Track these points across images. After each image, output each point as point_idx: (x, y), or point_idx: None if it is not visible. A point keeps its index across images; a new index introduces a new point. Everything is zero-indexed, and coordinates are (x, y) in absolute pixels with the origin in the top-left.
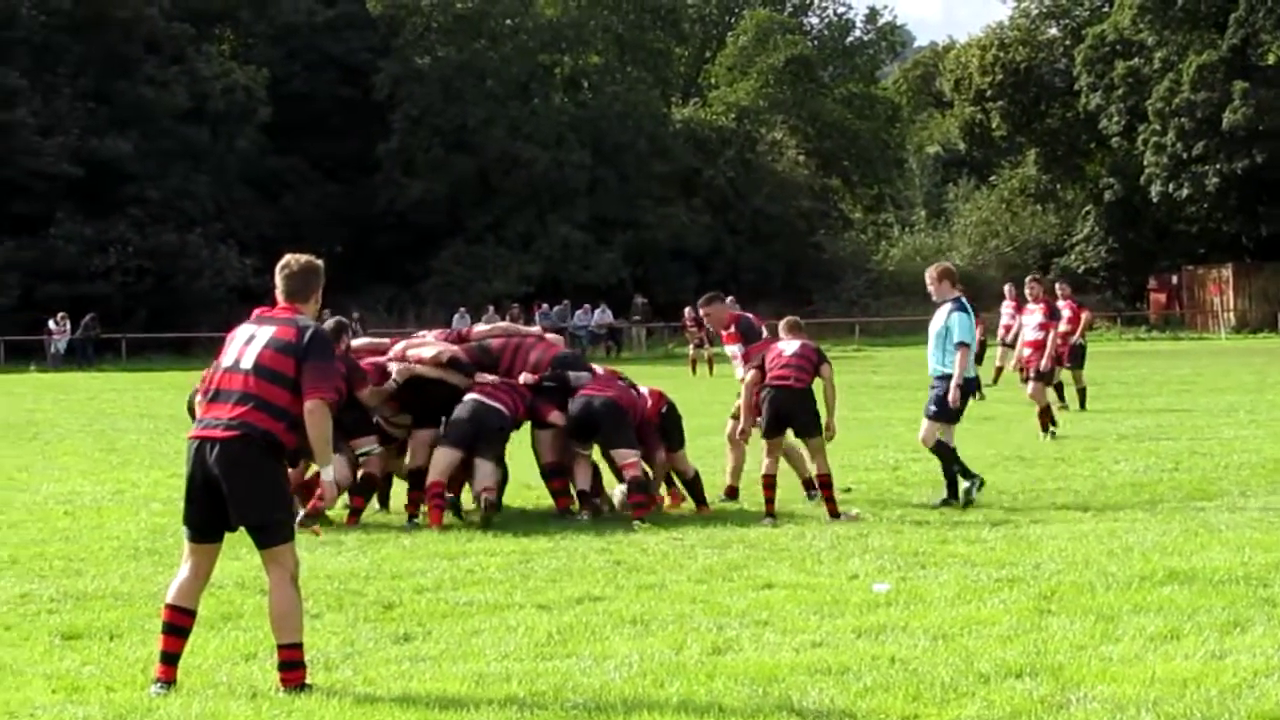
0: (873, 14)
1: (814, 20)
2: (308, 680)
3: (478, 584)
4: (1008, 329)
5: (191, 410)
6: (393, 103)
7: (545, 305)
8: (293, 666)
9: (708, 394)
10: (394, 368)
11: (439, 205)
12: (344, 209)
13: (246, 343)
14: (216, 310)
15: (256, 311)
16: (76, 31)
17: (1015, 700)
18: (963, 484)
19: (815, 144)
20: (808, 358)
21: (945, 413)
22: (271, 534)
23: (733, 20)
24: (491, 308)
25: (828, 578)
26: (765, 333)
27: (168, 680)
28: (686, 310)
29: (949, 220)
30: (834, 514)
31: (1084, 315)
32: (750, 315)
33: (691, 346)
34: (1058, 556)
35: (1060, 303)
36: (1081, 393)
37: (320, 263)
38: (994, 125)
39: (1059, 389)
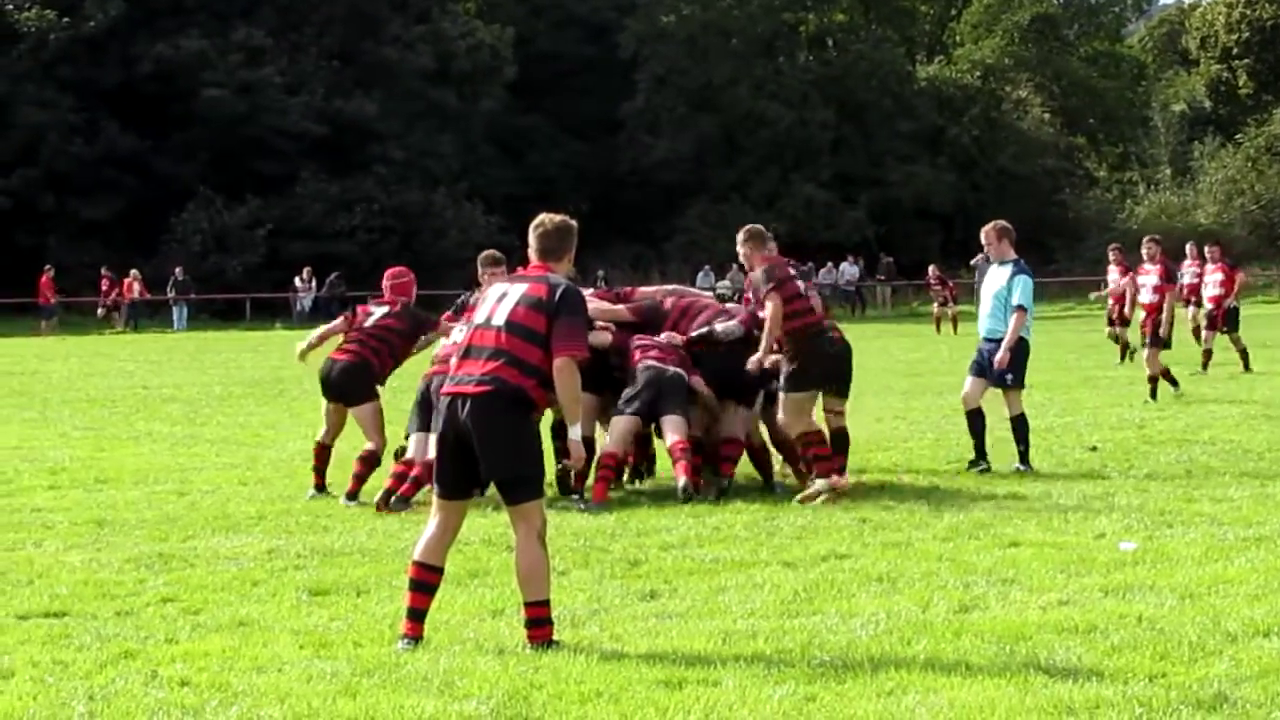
0: None
1: None
2: (555, 637)
3: (723, 541)
4: (1190, 289)
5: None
6: (637, 61)
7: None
8: (540, 623)
9: (953, 352)
10: None
11: (683, 164)
12: (589, 167)
13: (499, 300)
14: (462, 269)
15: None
16: None
17: (1263, 659)
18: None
19: (1060, 102)
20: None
21: (1020, 378)
22: (520, 490)
23: None
24: (735, 266)
25: (1074, 536)
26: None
27: (414, 637)
28: (931, 268)
29: (1194, 178)
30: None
31: (1237, 278)
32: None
33: (935, 305)
34: None
35: (1211, 265)
36: (1243, 354)
37: (574, 223)
38: (1240, 83)
39: (1207, 356)
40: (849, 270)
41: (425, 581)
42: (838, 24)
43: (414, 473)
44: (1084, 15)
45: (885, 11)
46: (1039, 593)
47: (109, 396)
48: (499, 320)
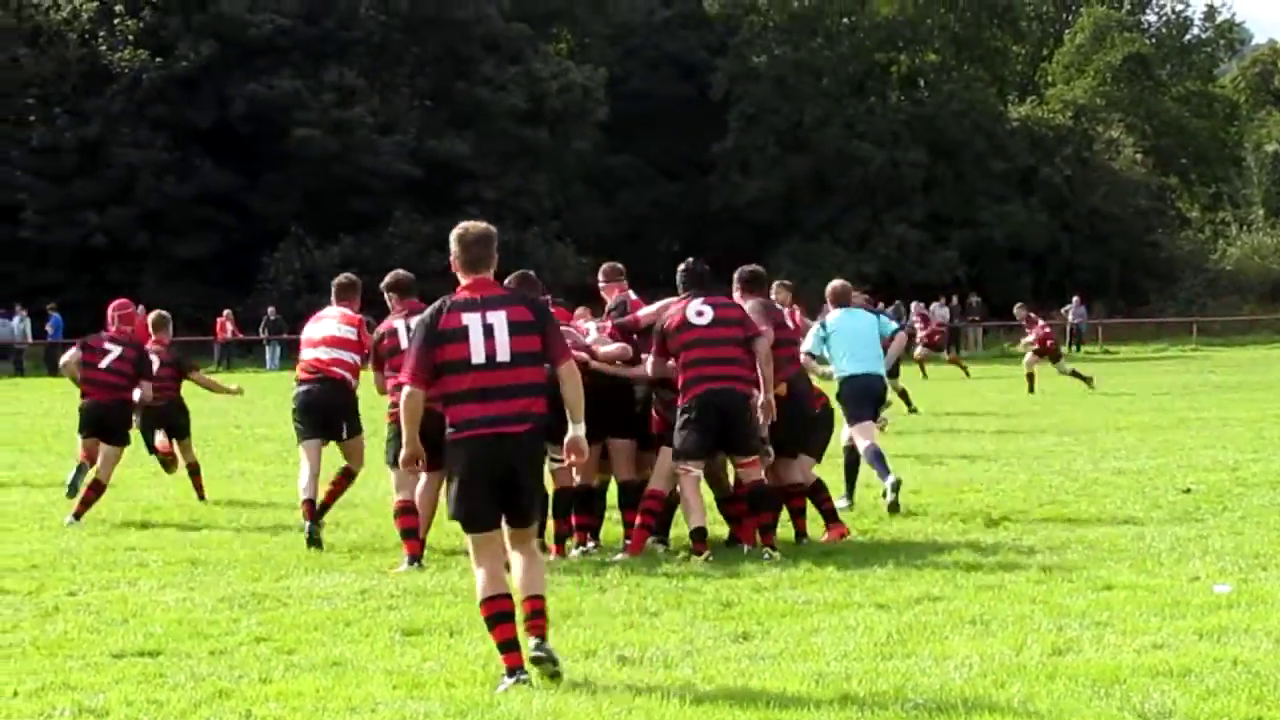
0: (1211, 11)
1: (1151, 18)
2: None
3: (815, 583)
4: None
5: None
6: (729, 101)
7: (881, 304)
8: (543, 614)
9: (1045, 393)
10: None
11: (775, 203)
12: (680, 207)
13: (487, 336)
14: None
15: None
16: (415, 31)
17: None
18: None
19: (1152, 142)
20: None
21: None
22: (539, 512)
23: (1070, 18)
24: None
25: (1168, 579)
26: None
27: (519, 666)
28: (1017, 308)
29: None
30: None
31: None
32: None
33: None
34: None
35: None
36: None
37: (494, 229)
38: None
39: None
40: (939, 311)
41: (503, 611)
42: (929, 64)
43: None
44: (1176, 55)
45: (977, 52)
46: (1133, 636)
47: (202, 436)
48: (504, 356)
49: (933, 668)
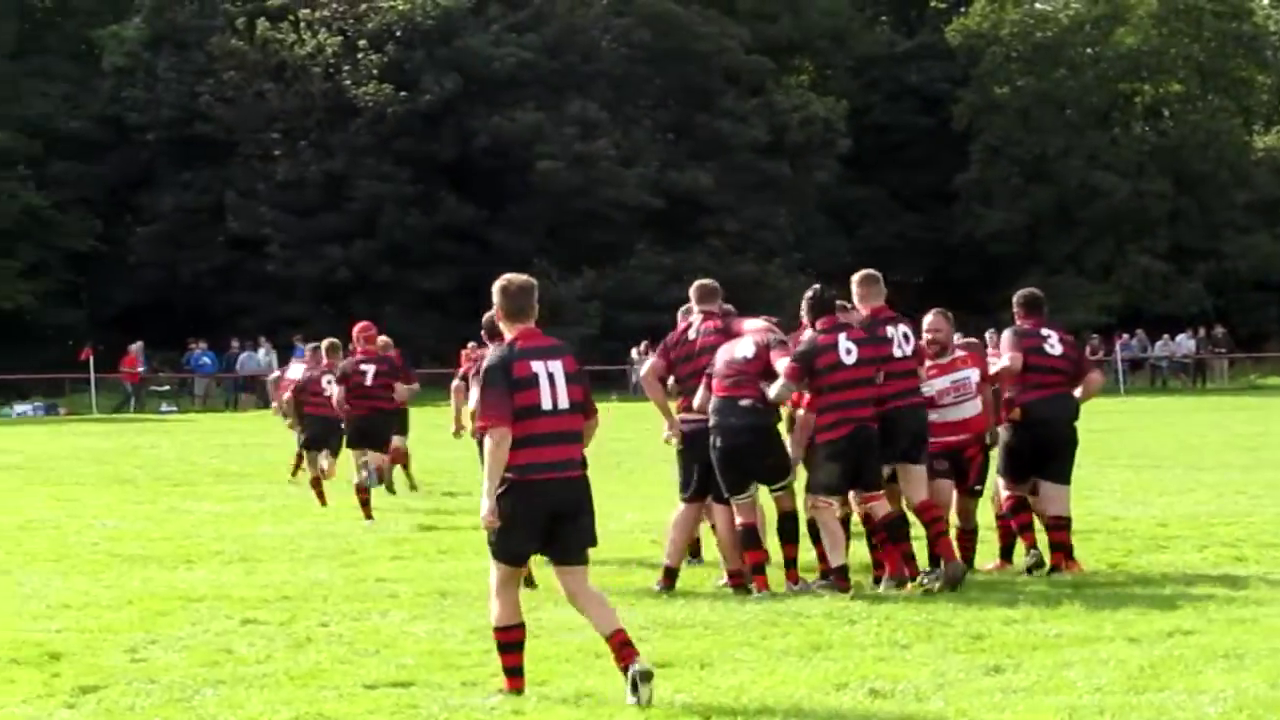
0: None
1: None
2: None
3: (1065, 616)
4: None
5: None
6: (971, 132)
7: (1125, 336)
8: (629, 641)
9: None
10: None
11: (1017, 235)
12: (922, 239)
13: (551, 383)
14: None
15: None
16: (656, 64)
17: None
18: None
19: None
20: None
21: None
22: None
23: None
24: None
25: None
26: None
27: (522, 688)
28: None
29: None
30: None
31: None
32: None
33: None
34: None
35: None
36: None
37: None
38: None
39: None
40: (1185, 343)
41: (518, 641)
42: (1174, 94)
43: None
44: None
45: (1222, 82)
46: None
47: (447, 467)
48: (564, 404)
49: (1187, 702)
